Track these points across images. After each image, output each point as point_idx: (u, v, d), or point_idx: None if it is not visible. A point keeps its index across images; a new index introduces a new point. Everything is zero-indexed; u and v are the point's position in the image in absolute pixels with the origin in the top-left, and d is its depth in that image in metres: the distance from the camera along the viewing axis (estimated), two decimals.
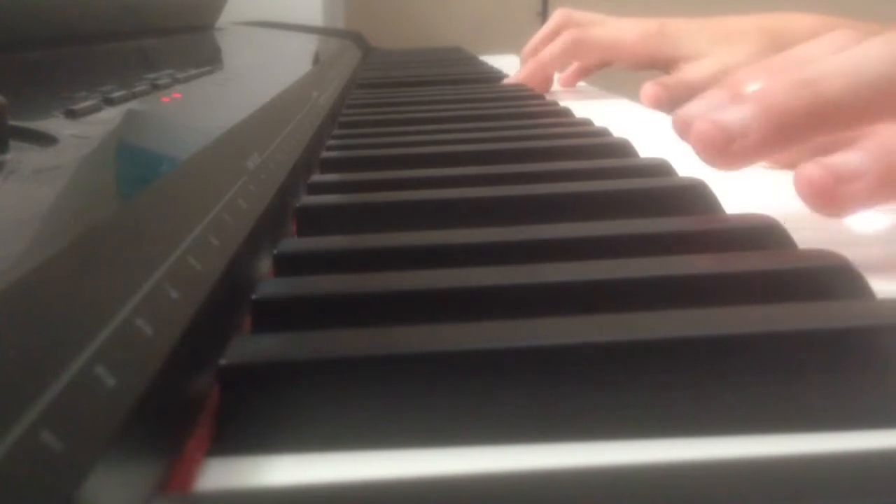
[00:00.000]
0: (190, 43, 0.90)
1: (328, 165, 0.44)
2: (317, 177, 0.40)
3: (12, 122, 0.27)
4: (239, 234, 0.25)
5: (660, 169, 0.38)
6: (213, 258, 0.22)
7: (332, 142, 0.50)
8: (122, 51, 0.70)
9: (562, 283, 0.23)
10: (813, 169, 0.28)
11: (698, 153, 0.31)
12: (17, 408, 0.12)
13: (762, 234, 0.27)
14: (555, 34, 0.83)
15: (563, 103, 0.65)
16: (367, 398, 0.18)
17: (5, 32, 0.50)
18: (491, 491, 0.14)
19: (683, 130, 0.34)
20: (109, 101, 0.37)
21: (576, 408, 0.18)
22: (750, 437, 0.17)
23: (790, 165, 0.35)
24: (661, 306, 0.21)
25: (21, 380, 0.13)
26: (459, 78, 0.90)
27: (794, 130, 0.31)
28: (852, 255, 0.24)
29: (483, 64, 1.11)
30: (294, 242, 0.29)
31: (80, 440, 0.12)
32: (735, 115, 0.31)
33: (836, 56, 0.32)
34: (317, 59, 0.99)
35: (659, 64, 0.78)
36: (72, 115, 0.33)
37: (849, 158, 0.28)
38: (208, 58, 0.85)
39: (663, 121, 0.59)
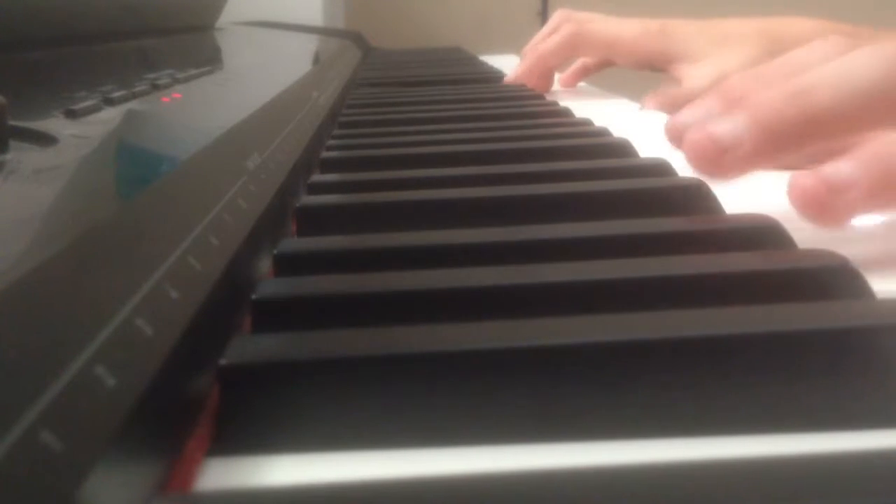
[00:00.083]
0: (190, 43, 0.90)
1: (328, 165, 0.44)
2: (317, 177, 0.40)
3: (12, 122, 0.27)
4: (239, 234, 0.25)
5: (660, 169, 0.38)
6: (213, 258, 0.22)
7: (332, 142, 0.50)
8: (122, 51, 0.70)
9: (562, 283, 0.23)
10: (806, 179, 0.28)
11: (690, 163, 0.32)
12: (17, 408, 0.12)
13: (762, 234, 0.27)
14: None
15: (563, 103, 0.65)
16: (367, 398, 0.18)
17: (5, 32, 0.50)
18: (491, 491, 0.14)
19: (676, 138, 0.35)
20: (109, 101, 0.37)
21: (576, 408, 0.18)
22: (750, 437, 0.17)
23: (790, 166, 0.35)
24: (661, 306, 0.21)
25: (21, 380, 0.13)
26: (459, 78, 0.90)
27: (786, 141, 0.31)
28: (852, 253, 0.24)
29: (483, 64, 1.11)
30: (294, 242, 0.29)
31: (80, 440, 0.12)
32: (727, 127, 0.31)
33: (828, 66, 0.32)
34: (317, 59, 0.99)
35: (657, 63, 0.78)
36: (72, 115, 0.33)
37: (841, 168, 0.28)
38: (208, 58, 0.85)
39: (663, 121, 0.59)
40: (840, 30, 0.71)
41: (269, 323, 0.23)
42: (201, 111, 0.45)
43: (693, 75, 0.74)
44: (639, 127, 0.54)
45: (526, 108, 0.65)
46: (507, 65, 0.96)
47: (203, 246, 0.22)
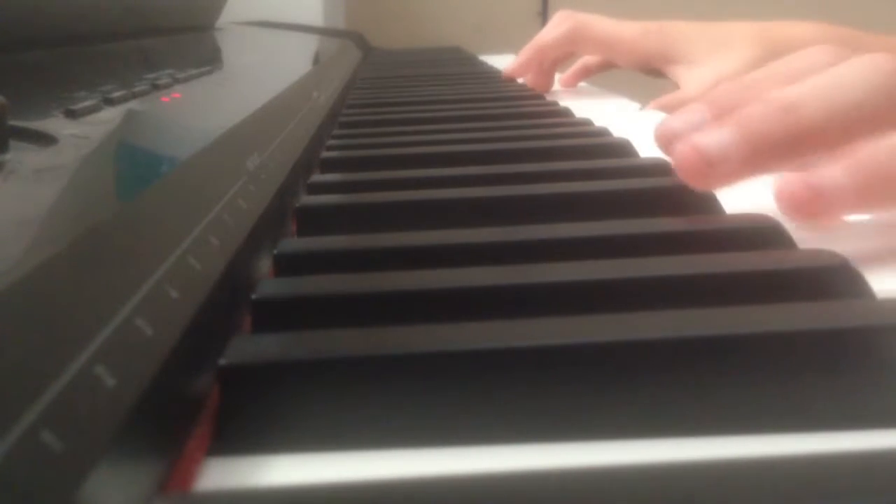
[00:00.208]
0: (190, 43, 0.90)
1: (328, 165, 0.44)
2: (317, 177, 0.40)
3: (12, 122, 0.27)
4: (239, 234, 0.25)
5: (660, 169, 0.38)
6: (213, 258, 0.22)
7: (332, 142, 0.50)
8: (122, 51, 0.70)
9: (562, 283, 0.23)
10: (794, 185, 0.28)
11: (678, 174, 0.32)
12: (17, 408, 0.12)
13: (762, 234, 0.27)
14: None
15: (563, 103, 0.65)
16: (367, 398, 0.18)
17: (5, 32, 0.50)
18: (491, 491, 0.14)
19: (665, 145, 0.35)
20: (109, 101, 0.37)
21: (576, 408, 0.18)
22: (750, 437, 0.17)
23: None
24: (661, 306, 0.21)
25: (21, 380, 0.13)
26: (459, 78, 0.90)
27: (773, 156, 0.31)
28: (852, 252, 0.24)
29: (483, 64, 1.11)
30: (294, 242, 0.29)
31: (80, 440, 0.12)
32: (714, 140, 0.31)
33: (818, 79, 0.32)
34: (317, 59, 0.99)
35: (656, 64, 0.78)
36: (72, 115, 0.33)
37: (829, 174, 0.28)
38: (208, 58, 0.85)
39: None
40: (840, 33, 0.71)
41: (269, 323, 0.23)
42: (201, 111, 0.45)
43: (692, 78, 0.74)
44: (639, 127, 0.54)
45: (526, 107, 0.65)
46: (507, 65, 0.96)
47: (203, 246, 0.22)
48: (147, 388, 0.15)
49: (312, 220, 0.33)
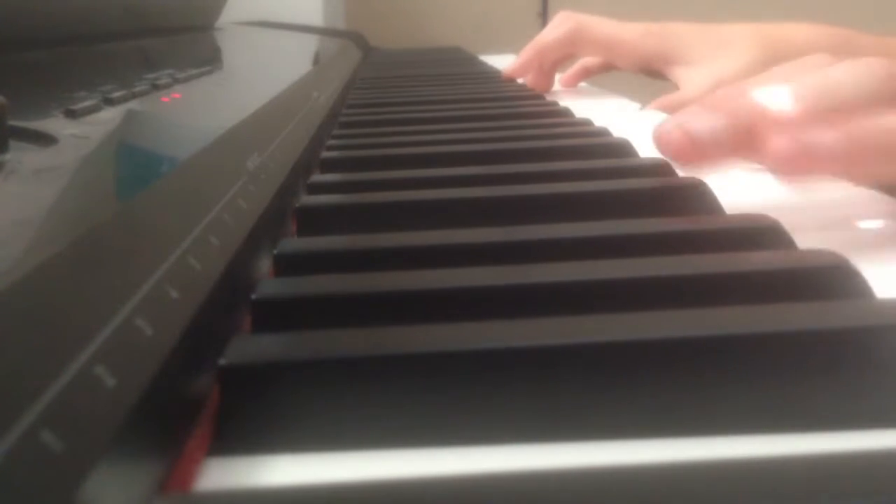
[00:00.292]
0: (190, 43, 0.90)
1: (328, 165, 0.44)
2: (317, 177, 0.40)
3: (12, 122, 0.27)
4: (239, 234, 0.25)
5: (660, 169, 0.38)
6: (213, 258, 0.22)
7: (332, 142, 0.50)
8: (122, 51, 0.70)
9: (562, 283, 0.23)
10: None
11: (662, 150, 0.33)
12: (17, 408, 0.12)
13: (762, 234, 0.27)
14: None
15: (563, 103, 0.65)
16: (367, 398, 0.18)
17: (5, 32, 0.50)
18: (491, 491, 0.14)
19: (662, 147, 0.36)
20: (109, 101, 0.37)
21: (576, 408, 0.18)
22: (750, 437, 0.17)
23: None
24: (661, 306, 0.21)
25: (21, 380, 0.13)
26: (459, 78, 0.90)
27: (743, 143, 0.32)
28: (851, 251, 0.24)
29: (483, 64, 1.11)
30: (294, 242, 0.29)
31: (80, 440, 0.12)
32: (692, 119, 0.33)
33: (809, 76, 0.33)
34: (317, 59, 0.99)
35: (656, 65, 0.78)
36: (72, 115, 0.33)
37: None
38: (208, 58, 0.85)
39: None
40: (839, 34, 0.71)
41: (269, 323, 0.23)
42: (201, 111, 0.45)
43: (691, 78, 0.74)
44: (639, 127, 0.54)
45: (526, 108, 0.65)
46: (507, 65, 0.96)
47: (203, 246, 0.22)
48: (147, 389, 0.15)
49: (312, 220, 0.33)
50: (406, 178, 0.38)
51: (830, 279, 0.23)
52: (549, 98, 0.73)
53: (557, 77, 0.89)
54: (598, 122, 0.54)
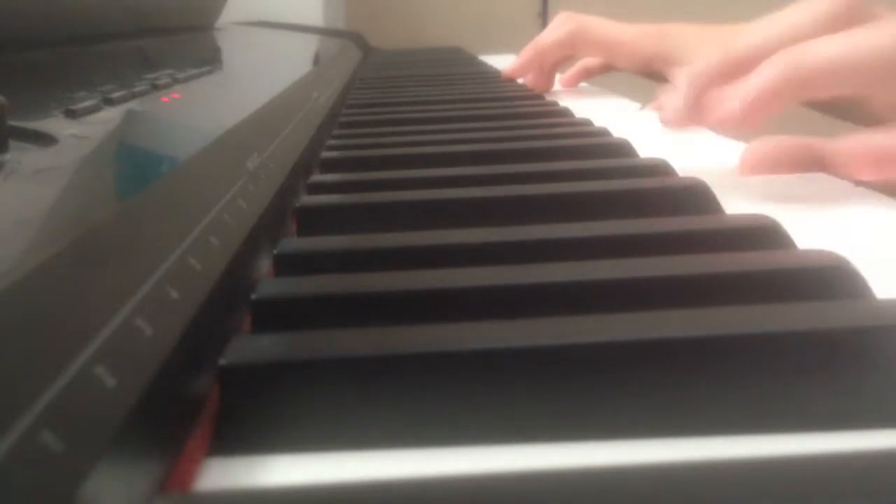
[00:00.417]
0: (190, 43, 0.90)
1: (328, 165, 0.44)
2: (317, 177, 0.40)
3: (12, 122, 0.27)
4: (239, 234, 0.25)
5: (660, 169, 0.38)
6: (213, 258, 0.22)
7: (332, 142, 0.50)
8: (122, 51, 0.70)
9: (562, 283, 0.23)
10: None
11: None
12: (17, 408, 0.12)
13: (762, 234, 0.27)
14: None
15: (563, 103, 0.65)
16: (367, 398, 0.18)
17: (5, 32, 0.50)
18: (491, 491, 0.14)
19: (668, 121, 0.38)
20: (109, 101, 0.37)
21: (576, 408, 0.18)
22: (750, 437, 0.17)
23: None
24: (661, 306, 0.21)
25: (21, 380, 0.13)
26: (459, 78, 0.90)
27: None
28: (851, 251, 0.24)
29: (483, 64, 1.11)
30: (294, 242, 0.29)
31: (80, 440, 0.12)
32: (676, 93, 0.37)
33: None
34: (317, 60, 0.99)
35: (656, 65, 0.78)
36: (72, 115, 0.33)
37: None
38: (208, 58, 0.85)
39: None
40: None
41: (269, 323, 0.23)
42: (201, 111, 0.45)
43: None
44: (639, 127, 0.54)
45: (526, 108, 0.65)
46: (507, 65, 0.96)
47: (203, 246, 0.22)
48: (147, 389, 0.15)
49: (312, 220, 0.33)
50: (406, 179, 0.38)
51: (830, 279, 0.23)
52: (548, 98, 0.73)
53: (557, 77, 0.89)
54: (598, 122, 0.54)
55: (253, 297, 0.23)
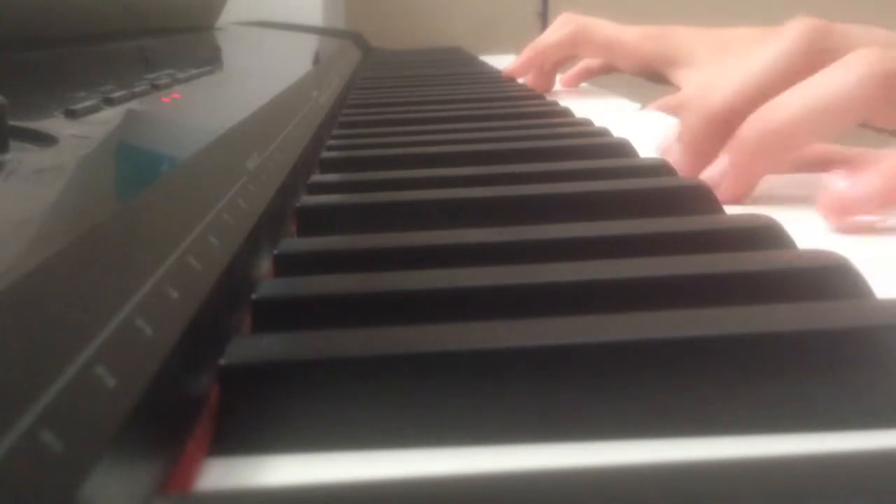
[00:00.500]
0: (190, 43, 0.90)
1: (328, 165, 0.44)
2: (317, 177, 0.40)
3: (12, 122, 0.27)
4: (239, 234, 0.25)
5: (660, 169, 0.38)
6: (213, 258, 0.22)
7: (332, 142, 0.50)
8: (122, 51, 0.70)
9: (562, 283, 0.23)
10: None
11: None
12: (17, 408, 0.12)
13: (762, 234, 0.27)
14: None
15: (563, 103, 0.65)
16: (367, 398, 0.18)
17: (5, 32, 0.50)
18: (491, 491, 0.14)
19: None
20: (109, 101, 0.37)
21: (576, 408, 0.18)
22: (750, 437, 0.17)
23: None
24: (661, 306, 0.21)
25: (21, 380, 0.13)
26: (459, 78, 0.90)
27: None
28: (852, 251, 0.24)
29: (483, 64, 1.11)
30: (294, 242, 0.29)
31: (80, 440, 0.12)
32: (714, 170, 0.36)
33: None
34: (317, 60, 0.99)
35: (657, 66, 0.78)
36: (72, 115, 0.33)
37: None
38: (208, 58, 0.85)
39: (663, 121, 0.59)
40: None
41: (269, 323, 0.23)
42: (201, 111, 0.45)
43: (690, 80, 0.74)
44: (639, 127, 0.54)
45: (526, 108, 0.65)
46: (507, 65, 0.96)
47: (203, 246, 0.22)
48: (147, 388, 0.15)
49: (312, 220, 0.33)
50: (406, 178, 0.38)
51: (830, 279, 0.23)
52: (549, 98, 0.73)
53: (558, 77, 0.89)
54: (598, 122, 0.53)
55: (253, 297, 0.23)
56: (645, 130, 0.53)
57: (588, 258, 0.25)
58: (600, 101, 0.77)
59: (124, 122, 0.36)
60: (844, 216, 0.31)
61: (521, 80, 0.87)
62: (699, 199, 0.32)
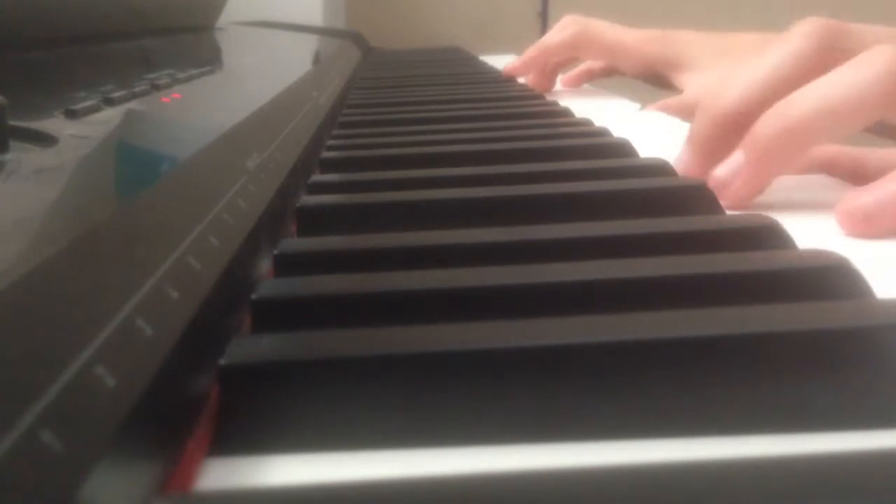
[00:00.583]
0: (190, 43, 0.90)
1: (328, 165, 0.44)
2: (317, 177, 0.40)
3: (12, 122, 0.27)
4: (239, 234, 0.25)
5: (660, 169, 0.38)
6: (213, 258, 0.22)
7: (332, 142, 0.50)
8: (122, 51, 0.70)
9: (562, 283, 0.23)
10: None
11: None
12: (17, 408, 0.12)
13: (762, 234, 0.27)
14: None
15: (563, 103, 0.65)
16: (368, 398, 0.18)
17: (5, 32, 0.50)
18: (490, 491, 0.14)
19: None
20: (109, 101, 0.37)
21: (576, 408, 0.18)
22: (750, 437, 0.17)
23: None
24: (661, 306, 0.21)
25: (21, 379, 0.13)
26: (459, 78, 0.90)
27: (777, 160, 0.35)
28: (851, 250, 0.24)
29: (483, 64, 1.11)
30: (294, 242, 0.29)
31: (80, 440, 0.12)
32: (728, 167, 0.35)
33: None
34: (317, 59, 0.99)
35: (659, 68, 0.78)
36: (72, 115, 0.33)
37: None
38: (208, 58, 0.85)
39: (663, 121, 0.59)
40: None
41: (269, 323, 0.23)
42: (201, 111, 0.45)
43: (693, 83, 0.74)
44: (639, 127, 0.54)
45: (526, 108, 0.65)
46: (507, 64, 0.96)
47: (203, 246, 0.22)
48: (147, 388, 0.15)
49: (312, 220, 0.33)
50: (406, 179, 0.38)
51: (831, 279, 0.23)
52: (549, 98, 0.73)
53: (559, 78, 0.89)
54: (598, 122, 0.53)
55: (253, 297, 0.23)
56: (645, 130, 0.53)
57: (588, 258, 0.25)
58: (600, 101, 0.77)
59: (124, 122, 0.36)
60: (868, 228, 0.31)
61: (521, 80, 0.87)
62: (700, 199, 0.32)
